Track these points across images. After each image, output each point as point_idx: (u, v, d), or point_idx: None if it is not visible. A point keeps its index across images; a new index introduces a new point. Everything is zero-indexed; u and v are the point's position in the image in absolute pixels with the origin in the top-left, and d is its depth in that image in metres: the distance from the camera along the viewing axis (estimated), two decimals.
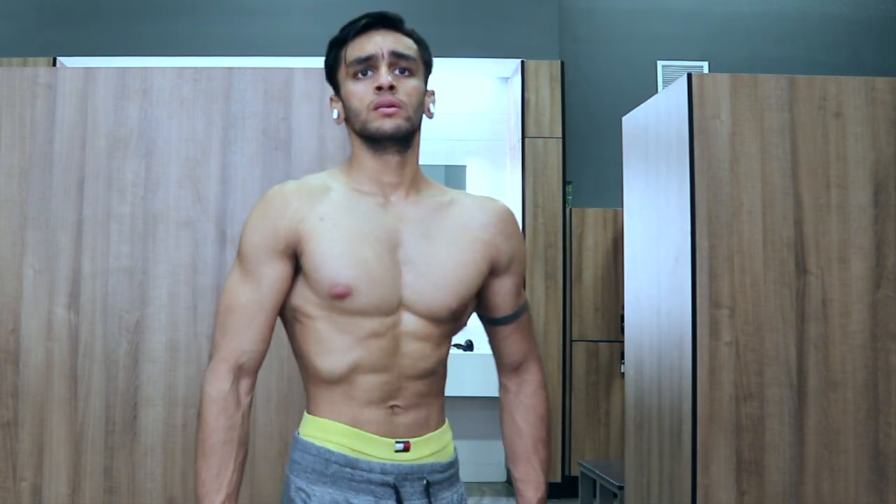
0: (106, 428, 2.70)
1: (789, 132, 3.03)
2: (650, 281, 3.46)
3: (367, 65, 1.57)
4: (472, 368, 6.01)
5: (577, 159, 6.40)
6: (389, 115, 1.55)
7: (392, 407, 1.57)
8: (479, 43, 5.99)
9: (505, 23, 6.02)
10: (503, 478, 6.29)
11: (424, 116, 1.63)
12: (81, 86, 2.78)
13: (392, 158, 1.58)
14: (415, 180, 1.62)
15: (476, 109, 6.52)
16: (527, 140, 5.92)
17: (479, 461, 6.30)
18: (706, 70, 6.51)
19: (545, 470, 1.73)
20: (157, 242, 2.74)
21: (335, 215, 1.56)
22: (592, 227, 5.96)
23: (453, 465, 1.67)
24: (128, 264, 2.74)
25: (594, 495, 4.61)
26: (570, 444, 5.84)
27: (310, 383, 1.61)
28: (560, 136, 5.94)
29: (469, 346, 6.22)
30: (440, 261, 1.58)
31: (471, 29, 5.99)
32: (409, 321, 1.56)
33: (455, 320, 1.61)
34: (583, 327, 5.92)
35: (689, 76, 3.06)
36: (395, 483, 1.56)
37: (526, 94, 5.95)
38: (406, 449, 1.57)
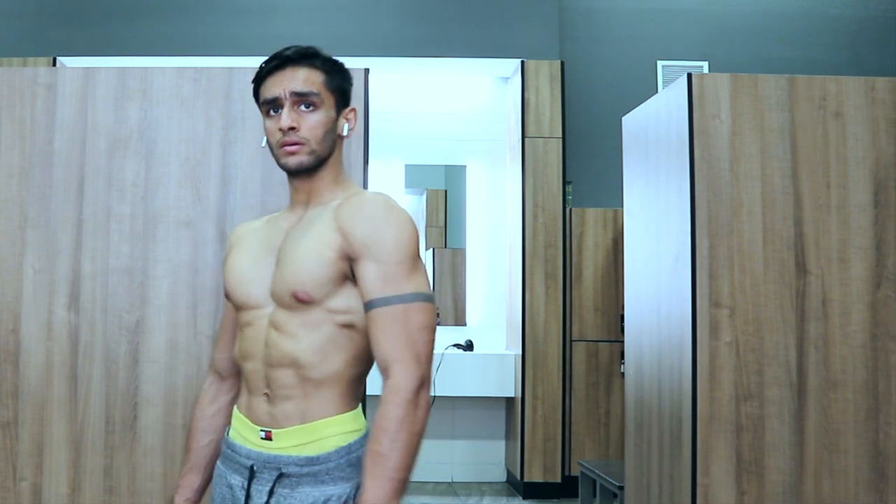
0: (106, 428, 2.70)
1: (789, 132, 3.03)
2: (650, 281, 3.46)
3: (274, 104, 1.78)
4: (472, 368, 6.01)
5: (577, 159, 6.40)
6: (293, 153, 1.76)
7: (265, 395, 1.75)
8: (479, 43, 5.99)
9: (505, 23, 6.02)
10: (503, 478, 6.29)
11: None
12: (81, 86, 2.78)
13: (302, 184, 1.82)
14: (323, 192, 1.81)
15: (476, 109, 6.52)
16: (527, 140, 5.92)
17: (479, 461, 6.30)
18: (706, 70, 6.50)
19: (379, 477, 1.59)
20: (157, 242, 2.74)
21: (245, 239, 1.87)
22: (592, 227, 5.96)
23: (319, 462, 1.66)
24: (128, 264, 2.73)
25: (594, 495, 4.61)
26: (570, 444, 5.83)
27: None
28: (560, 136, 5.93)
29: (469, 346, 6.22)
30: (293, 253, 1.74)
31: (471, 29, 5.99)
32: (271, 311, 1.75)
33: (306, 306, 1.69)
34: (583, 327, 5.92)
35: (689, 76, 3.06)
36: (253, 467, 1.73)
37: (526, 94, 5.95)
38: (268, 438, 1.73)
